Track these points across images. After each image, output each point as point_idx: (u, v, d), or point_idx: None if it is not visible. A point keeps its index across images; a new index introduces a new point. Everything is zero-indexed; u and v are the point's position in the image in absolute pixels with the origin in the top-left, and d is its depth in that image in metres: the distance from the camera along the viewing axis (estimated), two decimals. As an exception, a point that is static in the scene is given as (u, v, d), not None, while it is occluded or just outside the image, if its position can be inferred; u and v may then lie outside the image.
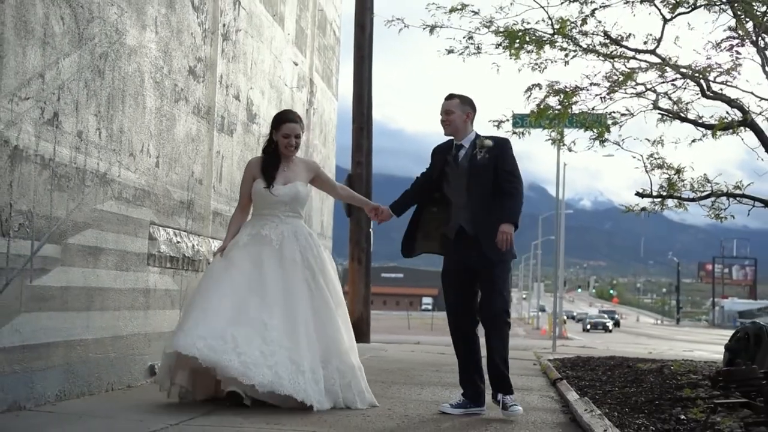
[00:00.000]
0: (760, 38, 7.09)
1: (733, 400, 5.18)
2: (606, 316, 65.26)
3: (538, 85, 8.30)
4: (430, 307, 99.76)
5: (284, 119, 5.49)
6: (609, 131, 8.13)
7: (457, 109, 5.47)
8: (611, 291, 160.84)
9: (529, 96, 8.35)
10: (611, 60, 8.51)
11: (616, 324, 67.07)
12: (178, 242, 6.55)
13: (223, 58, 7.43)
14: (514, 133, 10.23)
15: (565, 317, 74.77)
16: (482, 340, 5.46)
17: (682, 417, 4.84)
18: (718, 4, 7.12)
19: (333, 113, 12.66)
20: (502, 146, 5.45)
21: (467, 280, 5.35)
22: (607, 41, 8.00)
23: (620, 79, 7.73)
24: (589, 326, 56.24)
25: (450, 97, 5.55)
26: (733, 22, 7.27)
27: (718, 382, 6.13)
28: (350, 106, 16.42)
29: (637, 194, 8.53)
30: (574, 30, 8.08)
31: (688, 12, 7.29)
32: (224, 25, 7.43)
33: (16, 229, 4.34)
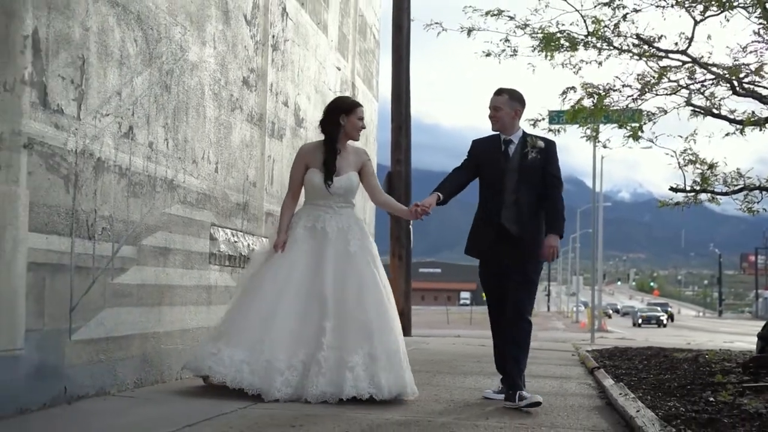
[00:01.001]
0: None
1: (761, 384, 5.50)
2: (659, 308, 56.55)
3: (573, 88, 8.62)
4: (468, 301, 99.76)
5: (356, 103, 5.55)
6: (642, 130, 8.41)
7: (506, 106, 5.41)
8: (651, 283, 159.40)
9: (565, 98, 8.67)
10: (645, 58, 8.80)
11: (671, 318, 58.68)
12: (236, 242, 7.02)
13: (273, 68, 7.88)
14: (550, 130, 10.55)
15: (610, 311, 71.78)
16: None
17: (711, 399, 5.17)
18: (745, 6, 7.36)
19: (374, 114, 13.08)
20: (549, 148, 5.44)
21: (504, 275, 5.40)
22: (640, 42, 8.29)
23: (652, 81, 8.02)
24: (640, 320, 49.67)
25: (499, 92, 5.47)
26: (756, 27, 7.53)
27: (749, 368, 6.45)
28: (389, 103, 16.83)
29: (671, 189, 8.80)
30: (607, 31, 8.39)
31: (718, 14, 7.55)
32: (273, 36, 7.88)
33: (100, 233, 4.83)
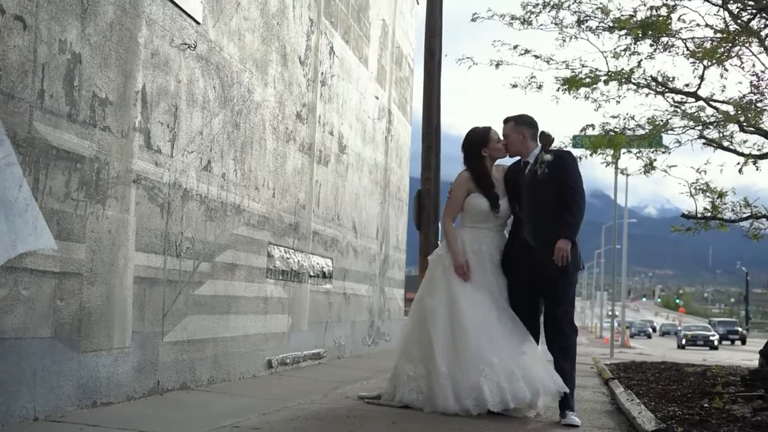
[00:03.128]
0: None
1: (753, 393, 6.25)
2: (711, 328, 46.29)
3: (592, 126, 9.44)
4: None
5: (486, 132, 5.74)
6: (654, 167, 9.17)
7: (513, 132, 5.63)
8: (677, 300, 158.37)
9: (584, 134, 9.48)
10: (661, 95, 9.60)
11: (742, 340, 49.48)
12: (288, 258, 7.89)
13: (321, 101, 8.78)
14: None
15: (649, 329, 66.50)
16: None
17: (706, 405, 5.93)
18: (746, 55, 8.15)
19: (407, 137, 13.95)
20: (561, 159, 5.48)
21: (532, 293, 5.56)
22: (654, 83, 9.10)
23: (660, 124, 8.81)
24: (684, 340, 41.60)
25: (505, 121, 5.73)
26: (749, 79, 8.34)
27: (746, 381, 7.19)
28: (420, 114, 17.69)
29: (683, 216, 9.54)
30: (624, 70, 9.19)
31: (724, 61, 8.31)
32: (322, 73, 8.78)
33: (184, 252, 5.71)
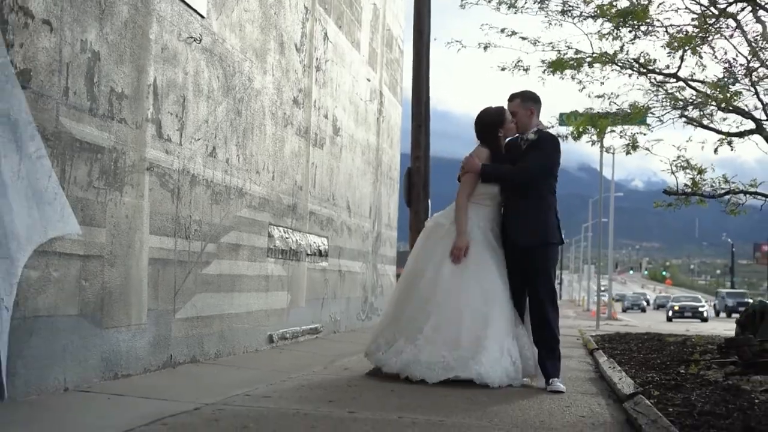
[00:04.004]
0: (753, 74, 8.50)
1: (726, 360, 6.68)
2: (701, 298, 44.59)
3: (576, 111, 9.81)
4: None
5: (502, 113, 5.84)
6: (635, 147, 9.57)
7: (520, 108, 5.77)
8: (664, 272, 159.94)
9: (570, 113, 9.85)
10: (644, 75, 9.96)
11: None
12: (287, 238, 8.25)
13: (317, 86, 9.09)
14: (560, 135, 11.69)
15: (644, 303, 62.36)
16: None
17: (682, 372, 6.35)
18: (720, 38, 8.53)
19: (398, 118, 14.27)
20: (540, 140, 5.68)
21: (516, 262, 5.74)
22: (637, 65, 9.46)
23: (643, 109, 9.18)
24: (671, 312, 39.83)
25: (511, 98, 5.84)
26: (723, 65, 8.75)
27: (722, 349, 7.63)
28: (410, 89, 18.02)
29: (665, 192, 9.94)
30: (607, 55, 9.54)
31: (701, 45, 8.67)
32: (317, 59, 9.09)
33: (193, 234, 6.06)
